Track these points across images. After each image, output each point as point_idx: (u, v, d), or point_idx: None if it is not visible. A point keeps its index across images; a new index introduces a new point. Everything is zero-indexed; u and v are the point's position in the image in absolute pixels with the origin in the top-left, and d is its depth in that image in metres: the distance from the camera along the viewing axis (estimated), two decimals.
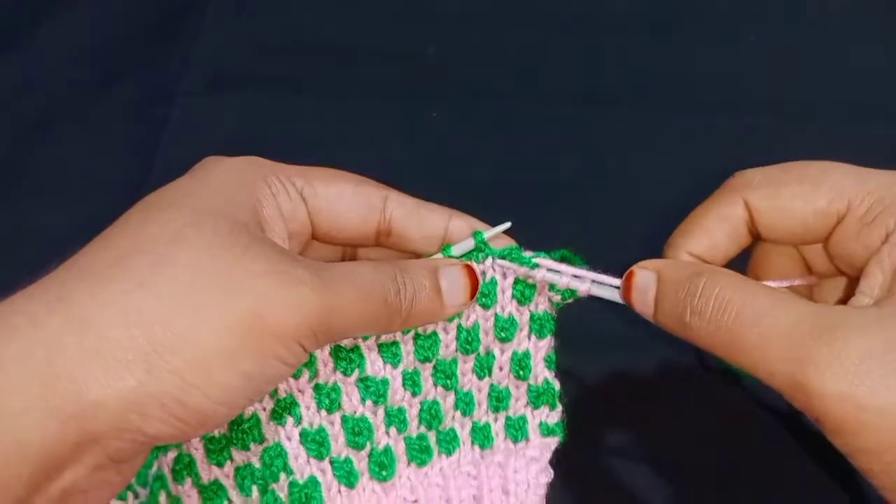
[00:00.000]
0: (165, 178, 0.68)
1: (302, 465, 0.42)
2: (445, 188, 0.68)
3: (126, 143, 0.71)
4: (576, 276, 0.45)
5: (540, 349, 0.47)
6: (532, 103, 0.72)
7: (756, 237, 0.45)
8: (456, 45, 0.76)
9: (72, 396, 0.33)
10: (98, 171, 0.70)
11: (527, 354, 0.47)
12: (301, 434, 0.43)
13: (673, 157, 0.69)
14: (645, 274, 0.43)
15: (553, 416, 0.47)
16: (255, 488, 0.42)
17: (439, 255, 0.45)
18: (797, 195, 0.43)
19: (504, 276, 0.45)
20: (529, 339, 0.47)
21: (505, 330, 0.46)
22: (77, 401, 0.33)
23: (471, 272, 0.43)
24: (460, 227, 0.45)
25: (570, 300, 0.46)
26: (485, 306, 0.45)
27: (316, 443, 0.42)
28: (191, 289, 0.35)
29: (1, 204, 0.69)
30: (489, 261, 0.45)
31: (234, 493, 0.43)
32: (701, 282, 0.40)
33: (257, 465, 0.42)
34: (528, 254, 0.45)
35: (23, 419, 0.33)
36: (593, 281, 0.45)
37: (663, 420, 0.55)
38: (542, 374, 0.47)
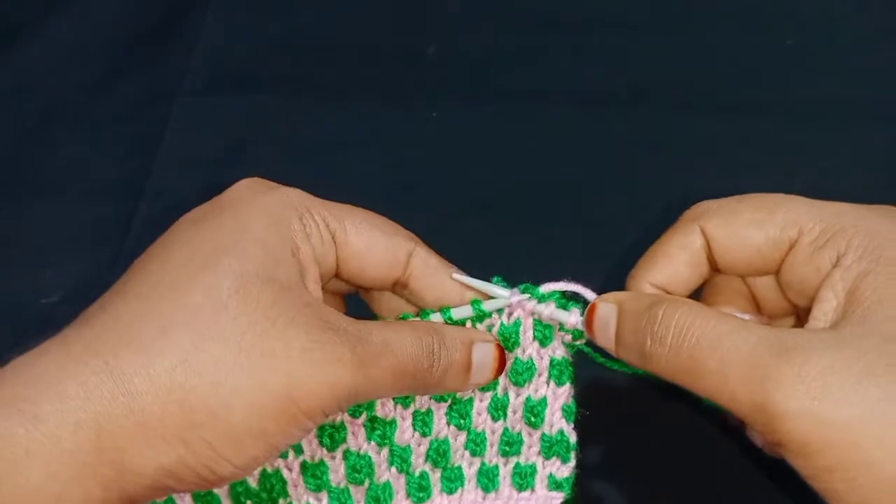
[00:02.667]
0: (165, 178, 0.69)
1: (300, 492, 0.43)
2: (445, 188, 0.68)
3: (126, 143, 0.71)
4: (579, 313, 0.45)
5: (558, 397, 0.46)
6: (532, 103, 0.72)
7: (715, 267, 0.45)
8: (456, 45, 0.76)
9: (117, 466, 0.35)
10: (98, 171, 0.70)
11: (542, 402, 0.46)
12: (301, 465, 0.43)
13: (673, 157, 0.69)
14: (606, 307, 0.43)
15: (563, 469, 0.46)
16: (249, 503, 0.43)
17: (492, 301, 0.45)
18: (751, 222, 0.43)
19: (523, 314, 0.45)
20: (548, 385, 0.46)
21: (520, 374, 0.45)
22: (121, 470, 0.35)
23: (501, 354, 0.44)
24: (474, 297, 0.45)
25: (580, 341, 0.46)
26: (507, 349, 0.45)
27: (314, 477, 0.43)
28: (230, 368, 0.36)
29: (1, 204, 0.69)
30: (490, 305, 0.45)
31: (227, 502, 0.43)
32: (661, 310, 0.40)
33: (253, 484, 0.43)
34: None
35: (72, 486, 0.35)
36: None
37: (660, 421, 0.55)
38: (557, 423, 0.46)
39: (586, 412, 0.47)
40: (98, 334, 0.37)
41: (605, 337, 0.43)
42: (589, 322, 0.44)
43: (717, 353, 0.38)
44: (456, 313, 0.44)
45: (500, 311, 0.45)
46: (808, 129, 0.69)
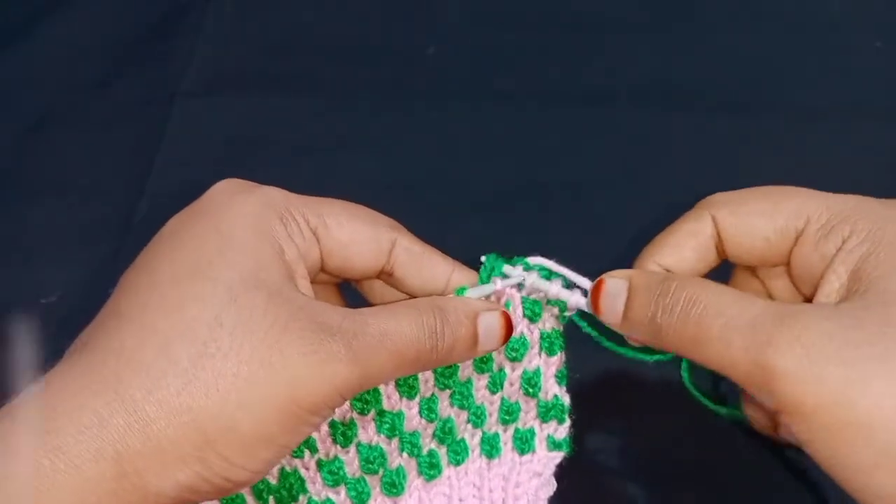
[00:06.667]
0: (165, 178, 0.69)
1: (319, 488, 0.44)
2: (445, 188, 0.68)
3: (126, 143, 0.71)
4: (564, 286, 0.45)
5: (551, 366, 0.47)
6: (532, 103, 0.72)
7: (723, 257, 0.46)
8: (456, 45, 0.76)
9: (139, 490, 0.36)
10: (98, 171, 0.70)
11: (537, 372, 0.47)
12: (317, 463, 0.44)
13: (673, 157, 0.69)
14: (615, 282, 0.44)
15: (561, 430, 0.48)
16: (271, 499, 0.44)
17: (479, 288, 0.45)
18: (759, 212, 0.44)
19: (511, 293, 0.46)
20: (540, 356, 0.47)
21: (515, 350, 0.46)
22: (143, 494, 0.36)
23: (507, 319, 0.44)
24: (461, 281, 0.46)
25: (566, 313, 0.46)
26: None
27: (331, 473, 0.44)
28: (233, 381, 0.37)
29: (1, 204, 0.69)
30: (505, 282, 0.45)
31: (250, 499, 0.44)
32: (672, 283, 0.42)
33: (273, 482, 0.43)
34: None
35: None
36: (577, 287, 0.45)
37: (658, 419, 0.55)
38: (552, 389, 0.47)
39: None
40: (102, 360, 0.37)
41: (612, 311, 0.43)
42: (595, 296, 0.44)
43: (721, 320, 0.39)
44: (470, 294, 0.45)
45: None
46: (808, 129, 0.69)
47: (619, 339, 0.46)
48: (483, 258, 0.46)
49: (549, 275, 0.46)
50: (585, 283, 0.45)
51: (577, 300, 0.45)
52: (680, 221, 0.46)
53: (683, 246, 0.45)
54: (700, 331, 0.40)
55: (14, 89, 0.75)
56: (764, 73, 0.73)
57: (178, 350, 0.37)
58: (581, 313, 0.46)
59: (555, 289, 0.45)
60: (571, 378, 0.48)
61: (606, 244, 0.61)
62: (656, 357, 0.47)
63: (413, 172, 0.69)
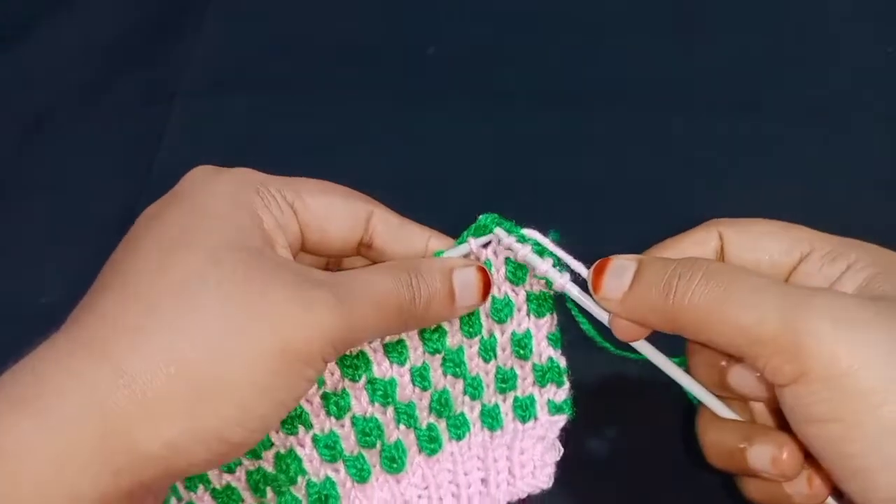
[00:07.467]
0: (165, 178, 0.68)
1: (317, 466, 0.44)
2: (445, 188, 0.68)
3: (126, 143, 0.72)
4: (555, 266, 0.45)
5: (541, 328, 0.47)
6: (532, 103, 0.72)
7: None
8: (456, 45, 0.76)
9: (125, 451, 0.35)
10: (98, 170, 0.70)
11: (527, 335, 0.47)
12: (313, 439, 0.44)
13: (673, 157, 0.69)
14: (623, 261, 0.44)
15: (560, 393, 0.47)
16: (269, 489, 0.43)
17: (455, 249, 0.45)
18: (767, 233, 0.45)
19: (496, 253, 0.46)
20: (529, 318, 0.47)
21: (499, 311, 0.46)
22: (130, 454, 0.36)
23: (484, 274, 0.45)
24: (438, 247, 0.46)
25: (550, 291, 0.46)
26: None
27: (328, 448, 0.43)
28: (221, 332, 0.37)
29: (1, 204, 0.69)
30: (478, 241, 0.46)
31: (247, 494, 0.43)
32: (692, 258, 0.42)
33: (269, 469, 0.43)
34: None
35: (81, 476, 0.35)
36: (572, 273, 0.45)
37: (658, 419, 0.55)
38: (545, 352, 0.47)
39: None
40: (86, 328, 0.37)
41: (616, 286, 0.43)
42: (598, 273, 0.44)
43: (749, 284, 0.40)
44: (447, 255, 0.46)
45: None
46: (808, 129, 0.69)
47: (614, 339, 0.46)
48: (480, 216, 0.46)
49: (542, 251, 0.46)
50: (580, 267, 0.45)
51: (563, 282, 0.45)
52: (687, 233, 0.47)
53: (687, 253, 0.45)
54: (727, 292, 0.40)
55: (14, 89, 0.75)
56: (764, 73, 0.73)
57: (164, 308, 0.37)
58: (577, 310, 0.46)
59: (543, 267, 0.45)
60: (568, 338, 0.47)
61: (606, 244, 0.61)
62: (641, 356, 0.47)
63: (413, 172, 0.69)
